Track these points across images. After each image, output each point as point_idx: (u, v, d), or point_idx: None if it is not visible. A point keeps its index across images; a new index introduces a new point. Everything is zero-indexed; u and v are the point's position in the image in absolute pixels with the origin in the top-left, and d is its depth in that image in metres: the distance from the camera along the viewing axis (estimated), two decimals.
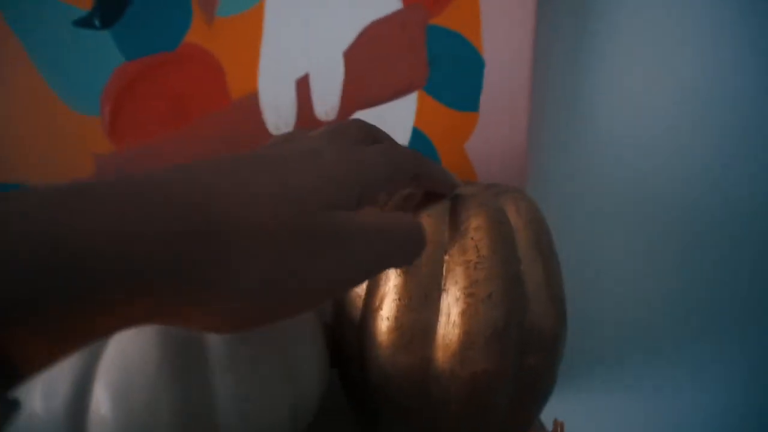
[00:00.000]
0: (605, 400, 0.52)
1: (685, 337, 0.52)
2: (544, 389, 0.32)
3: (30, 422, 0.24)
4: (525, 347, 0.30)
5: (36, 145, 0.40)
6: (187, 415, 0.25)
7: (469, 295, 0.29)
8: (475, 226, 0.29)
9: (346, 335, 0.33)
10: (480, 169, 0.42)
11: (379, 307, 0.30)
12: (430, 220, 0.30)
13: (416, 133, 0.42)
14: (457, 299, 0.29)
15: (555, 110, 0.45)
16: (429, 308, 0.29)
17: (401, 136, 0.41)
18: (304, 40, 0.40)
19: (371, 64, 0.40)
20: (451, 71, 0.41)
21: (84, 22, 0.39)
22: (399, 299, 0.30)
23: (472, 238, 0.29)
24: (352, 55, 0.40)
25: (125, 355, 0.25)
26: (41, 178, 0.40)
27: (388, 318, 0.30)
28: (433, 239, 0.30)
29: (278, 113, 0.41)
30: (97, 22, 0.39)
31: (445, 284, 0.30)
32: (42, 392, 0.25)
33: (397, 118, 0.41)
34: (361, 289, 0.32)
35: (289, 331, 0.30)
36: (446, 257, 0.30)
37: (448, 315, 0.29)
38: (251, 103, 0.41)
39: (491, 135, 0.42)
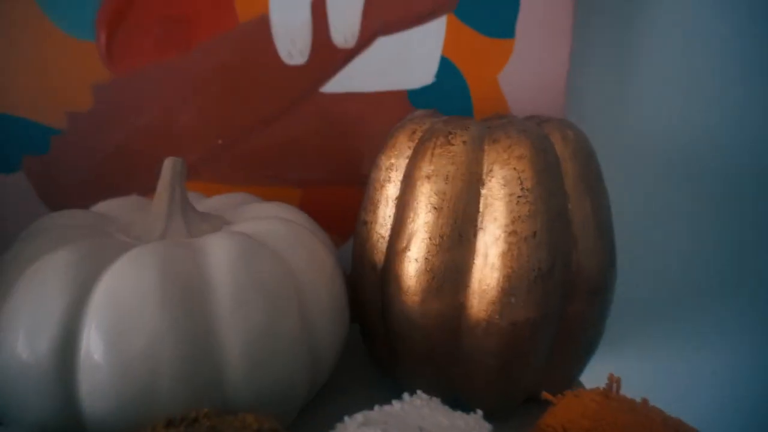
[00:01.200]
0: (651, 359, 0.49)
1: (734, 297, 0.49)
2: (589, 342, 0.29)
3: (11, 364, 0.21)
4: (570, 291, 0.27)
5: (31, 75, 0.36)
6: (190, 362, 0.22)
7: (511, 233, 0.25)
8: (518, 154, 0.26)
9: (368, 283, 0.29)
10: (514, 103, 0.38)
11: (407, 248, 0.27)
12: (464, 147, 0.26)
13: (444, 63, 0.37)
14: (497, 238, 0.25)
15: (601, 43, 0.41)
16: (464, 248, 0.26)
17: (428, 65, 0.37)
18: None
19: None
20: None
21: None
22: (430, 238, 0.26)
23: (514, 168, 0.25)
24: None
25: (120, 292, 0.22)
26: (38, 109, 0.37)
27: (416, 259, 0.26)
28: (468, 170, 0.26)
29: (291, 39, 0.36)
30: None
31: (482, 222, 0.26)
32: (24, 330, 0.22)
33: (423, 46, 0.37)
34: (385, 230, 0.29)
35: (308, 277, 0.26)
36: (483, 190, 0.26)
37: (486, 256, 0.26)
38: (261, 26, 0.36)
39: (527, 65, 0.37)
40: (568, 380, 0.29)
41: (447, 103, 0.38)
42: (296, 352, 0.25)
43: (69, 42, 0.36)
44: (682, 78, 0.43)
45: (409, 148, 0.28)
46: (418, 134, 0.28)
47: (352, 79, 0.37)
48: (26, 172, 0.38)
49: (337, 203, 0.39)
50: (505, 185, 0.25)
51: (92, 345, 0.21)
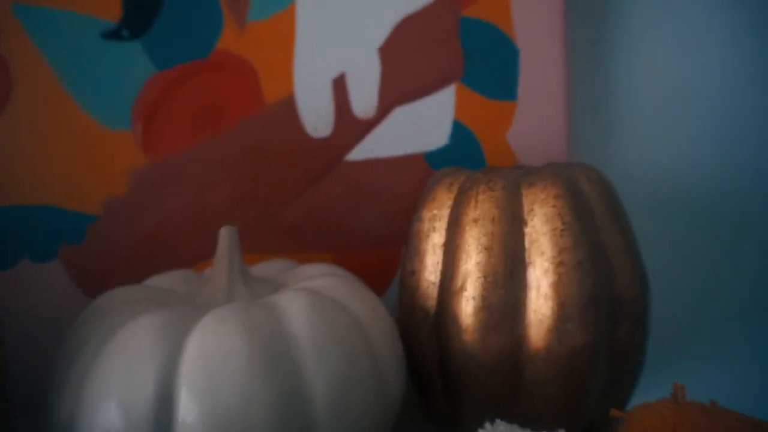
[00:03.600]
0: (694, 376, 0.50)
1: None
2: (636, 365, 0.30)
3: None
4: (615, 318, 0.29)
5: (67, 165, 0.38)
6: (284, 415, 0.23)
7: (559, 264, 0.27)
8: (554, 194, 0.28)
9: (421, 331, 0.31)
10: (523, 156, 0.41)
11: (463, 288, 0.28)
12: (504, 193, 0.29)
13: (457, 126, 0.41)
14: (546, 270, 0.28)
15: (591, 95, 0.45)
16: (516, 284, 0.28)
17: (442, 129, 0.41)
18: (338, 39, 0.39)
19: (407, 58, 0.40)
20: (487, 62, 0.41)
21: (112, 34, 0.37)
22: (484, 276, 0.28)
23: (553, 206, 0.28)
24: (387, 51, 0.40)
25: (209, 352, 0.23)
26: (75, 198, 0.38)
27: (474, 298, 0.28)
28: (510, 212, 0.29)
29: (316, 115, 0.40)
30: (126, 33, 0.38)
31: (529, 257, 0.28)
32: (119, 397, 0.22)
33: (436, 112, 0.40)
34: (434, 276, 0.31)
35: (371, 326, 0.28)
36: (527, 229, 0.28)
37: (538, 288, 0.28)
38: (287, 106, 0.39)
39: (531, 123, 0.41)
40: (623, 402, 0.31)
41: (462, 162, 0.41)
42: (371, 398, 0.26)
43: (104, 132, 0.38)
44: (670, 122, 0.47)
45: (450, 198, 0.31)
46: (456, 186, 0.31)
47: (374, 146, 0.40)
48: (62, 260, 0.38)
49: (367, 264, 0.41)
50: (546, 222, 0.28)
51: (187, 406, 0.22)
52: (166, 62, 0.38)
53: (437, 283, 0.30)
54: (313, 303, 0.26)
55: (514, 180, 0.30)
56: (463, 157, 0.41)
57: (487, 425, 0.24)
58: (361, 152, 0.40)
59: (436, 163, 0.41)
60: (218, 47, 0.38)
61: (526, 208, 0.29)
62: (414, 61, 0.40)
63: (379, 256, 0.41)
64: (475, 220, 0.29)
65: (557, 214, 0.28)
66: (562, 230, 0.28)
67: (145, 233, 0.39)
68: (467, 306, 0.28)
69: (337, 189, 0.40)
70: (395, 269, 0.41)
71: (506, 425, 0.24)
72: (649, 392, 0.31)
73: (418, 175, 0.41)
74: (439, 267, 0.30)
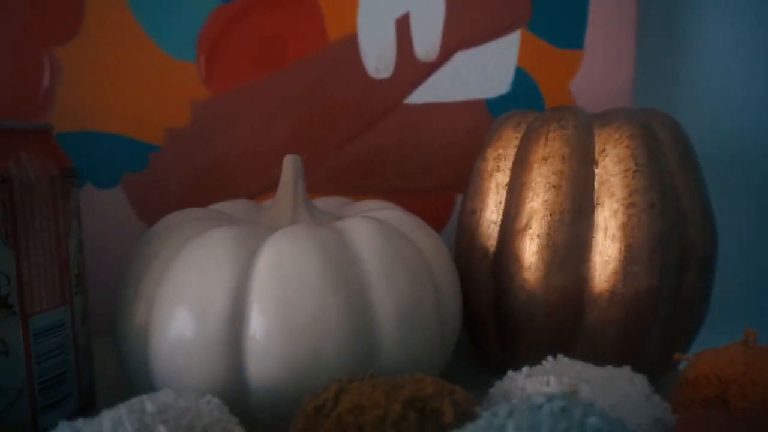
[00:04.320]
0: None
1: None
2: (699, 315, 0.30)
3: (181, 336, 0.22)
4: (683, 264, 0.28)
5: (133, 94, 0.38)
6: (351, 329, 0.23)
7: (630, 205, 0.27)
8: (629, 134, 0.28)
9: (478, 271, 0.31)
10: (585, 108, 0.40)
11: (527, 226, 0.28)
12: (575, 131, 0.28)
13: (519, 73, 0.40)
14: (615, 211, 0.27)
15: (660, 47, 0.44)
16: (583, 223, 0.27)
17: (504, 76, 0.40)
18: None
19: (474, 1, 0.39)
20: (555, 8, 0.39)
21: None
22: (550, 215, 0.28)
23: (627, 146, 0.27)
24: None
25: (282, 264, 0.23)
26: (139, 127, 0.39)
27: (539, 236, 0.28)
28: (581, 151, 0.28)
29: (378, 55, 0.39)
30: None
31: (598, 198, 0.28)
32: (194, 303, 0.23)
33: (499, 58, 0.40)
34: (496, 216, 0.30)
35: (433, 258, 0.28)
36: (597, 169, 0.28)
37: (606, 229, 0.27)
38: (350, 44, 0.39)
39: (596, 73, 0.40)
40: (683, 353, 0.30)
41: None
42: (433, 324, 0.26)
43: (170, 62, 0.38)
44: (736, 80, 0.46)
45: (516, 137, 0.30)
46: (524, 125, 0.30)
47: (434, 90, 0.40)
48: (124, 188, 0.39)
49: (419, 209, 0.41)
50: (619, 162, 0.27)
51: (260, 314, 0.22)
52: None
53: (498, 223, 0.30)
54: (379, 229, 0.26)
55: (586, 119, 0.29)
56: (524, 104, 0.40)
57: (550, 358, 0.24)
58: (420, 96, 0.40)
59: (496, 109, 0.40)
60: None
61: (597, 148, 0.28)
62: (480, 4, 0.39)
63: (434, 200, 0.41)
64: (544, 158, 0.28)
65: (630, 155, 0.27)
66: (634, 171, 0.27)
67: (204, 165, 0.40)
68: (531, 244, 0.28)
69: (394, 132, 0.40)
70: (449, 214, 0.41)
71: (569, 360, 0.23)
72: (708, 342, 0.31)
73: (478, 121, 0.40)
74: (502, 206, 0.30)
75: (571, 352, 0.29)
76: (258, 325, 0.22)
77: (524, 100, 0.40)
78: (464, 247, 0.32)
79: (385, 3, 0.39)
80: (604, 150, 0.28)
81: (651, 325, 0.28)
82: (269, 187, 0.40)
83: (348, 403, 0.18)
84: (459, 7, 0.39)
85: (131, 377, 0.25)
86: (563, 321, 0.28)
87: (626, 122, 0.28)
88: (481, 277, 0.31)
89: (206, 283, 0.23)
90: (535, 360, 0.29)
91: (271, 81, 0.39)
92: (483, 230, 0.31)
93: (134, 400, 0.19)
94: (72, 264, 0.24)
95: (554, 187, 0.28)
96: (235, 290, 0.23)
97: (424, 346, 0.25)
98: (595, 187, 0.28)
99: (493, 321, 0.31)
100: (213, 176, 0.40)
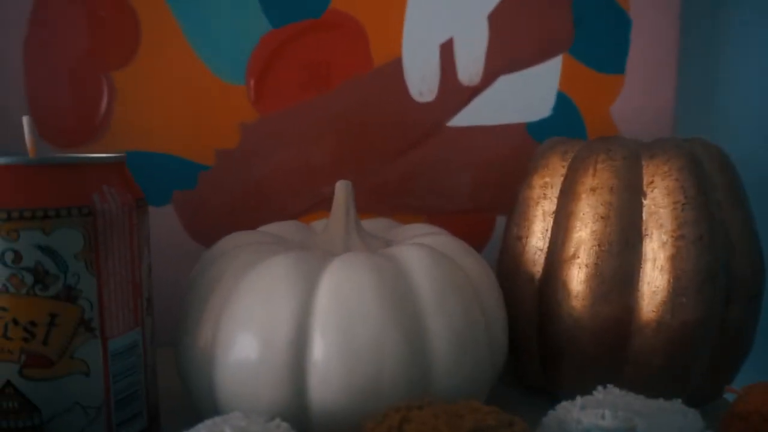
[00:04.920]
0: None
1: None
2: (746, 345, 0.30)
3: (246, 359, 0.23)
4: (731, 295, 0.28)
5: (184, 115, 0.40)
6: (409, 355, 0.24)
7: (678, 237, 0.27)
8: (677, 166, 0.28)
9: (523, 296, 0.31)
10: (626, 133, 0.41)
11: (575, 255, 0.29)
12: (624, 162, 0.29)
13: (561, 97, 0.41)
14: (664, 243, 0.27)
15: (701, 72, 0.44)
16: (631, 254, 0.28)
17: (545, 100, 0.40)
18: (449, 3, 0.39)
19: (515, 26, 0.40)
20: (597, 32, 0.40)
21: None
22: (599, 245, 0.28)
23: (676, 179, 0.28)
24: (496, 18, 0.40)
25: (342, 291, 0.24)
26: (190, 147, 0.40)
27: (587, 265, 0.28)
28: (630, 182, 0.28)
29: (422, 79, 0.40)
30: None
31: (646, 229, 0.28)
32: (260, 328, 0.24)
33: (541, 82, 0.40)
34: (543, 243, 0.31)
35: (481, 283, 0.28)
36: (645, 201, 0.28)
37: (654, 260, 0.28)
38: (394, 68, 0.40)
39: (638, 97, 0.40)
40: (726, 381, 0.31)
41: (563, 134, 0.41)
42: (483, 347, 0.27)
43: (221, 85, 0.40)
44: None
45: (563, 166, 0.31)
46: (571, 154, 0.31)
47: (476, 113, 0.41)
48: (174, 205, 0.41)
49: (458, 229, 0.42)
50: (668, 194, 0.28)
51: (322, 340, 0.23)
52: (282, 20, 0.39)
53: (545, 250, 0.31)
54: (431, 256, 0.27)
55: (633, 150, 0.29)
56: (564, 128, 0.41)
57: (600, 388, 0.24)
58: (463, 119, 0.41)
59: (537, 133, 0.41)
60: (331, 7, 0.39)
61: (646, 180, 0.29)
62: (523, 29, 0.40)
63: (473, 221, 0.41)
64: (593, 189, 0.29)
65: (680, 188, 0.28)
66: (683, 204, 0.27)
67: (251, 184, 0.41)
68: (579, 273, 0.28)
69: (436, 153, 0.41)
70: (489, 235, 0.42)
71: (619, 390, 0.24)
72: (755, 371, 0.31)
73: (518, 144, 0.41)
74: (548, 234, 0.31)
75: (616, 378, 0.29)
76: (320, 350, 0.23)
77: (565, 124, 0.41)
78: (509, 270, 0.33)
79: (430, 29, 0.40)
80: (652, 182, 0.28)
81: (697, 355, 0.28)
82: (314, 206, 0.41)
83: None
84: (502, 32, 0.40)
85: (194, 395, 0.26)
86: (608, 348, 0.28)
87: (674, 154, 0.28)
88: (526, 300, 0.31)
89: (271, 310, 0.24)
90: (578, 383, 0.30)
91: (316, 103, 0.40)
92: (529, 256, 0.31)
93: (209, 422, 0.20)
94: (143, 288, 0.25)
95: (602, 217, 0.28)
96: (298, 317, 0.24)
97: (475, 369, 0.26)
98: (644, 217, 0.28)
99: (537, 344, 0.31)
100: (259, 195, 0.41)
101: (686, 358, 0.28)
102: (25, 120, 0.24)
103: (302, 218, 0.41)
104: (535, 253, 0.31)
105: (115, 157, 0.24)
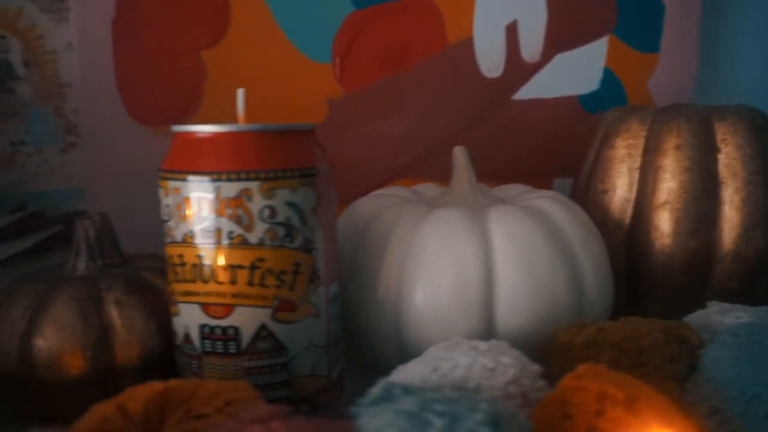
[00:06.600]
0: None
1: None
2: None
3: (441, 296, 0.27)
4: None
5: (273, 93, 0.42)
6: (572, 282, 0.29)
7: (749, 183, 0.34)
8: (744, 126, 0.35)
9: (609, 238, 0.37)
10: (659, 103, 0.47)
11: (666, 201, 0.35)
12: (701, 124, 0.35)
13: (607, 72, 0.46)
14: (738, 188, 0.34)
15: (713, 52, 0.51)
16: (711, 198, 0.34)
17: (594, 75, 0.46)
18: None
19: (569, 11, 0.45)
20: (637, 16, 0.46)
21: None
22: (686, 192, 0.34)
23: (743, 136, 0.34)
24: (553, 3, 0.45)
25: (513, 234, 0.28)
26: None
27: (677, 209, 0.34)
28: (707, 140, 0.35)
29: (491, 57, 0.45)
30: None
31: (722, 177, 0.34)
32: (453, 269, 0.28)
33: (591, 58, 0.46)
34: (629, 194, 0.37)
35: (595, 231, 0.34)
36: (720, 155, 0.35)
37: (731, 202, 0.34)
38: (466, 47, 0.44)
39: (669, 73, 0.47)
40: None
41: (609, 105, 0.46)
42: (611, 279, 0.32)
43: (309, 64, 0.42)
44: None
45: (643, 129, 0.37)
46: (648, 119, 0.37)
47: (536, 87, 0.46)
48: None
49: None
50: (738, 148, 0.34)
51: (506, 275, 0.28)
52: (364, 1, 0.42)
53: (632, 200, 0.36)
54: (566, 206, 0.32)
55: (706, 114, 0.36)
56: (610, 100, 0.47)
57: (710, 303, 0.30)
58: (525, 93, 0.46)
59: (588, 104, 0.47)
60: None
61: (719, 137, 0.35)
62: (576, 13, 0.45)
63: (533, 184, 0.47)
64: (678, 147, 0.35)
65: (747, 143, 0.34)
66: (751, 156, 0.34)
67: (338, 156, 0.44)
68: (671, 216, 0.34)
69: (503, 124, 0.46)
70: None
71: (727, 304, 0.30)
72: None
73: (571, 114, 0.46)
74: (635, 186, 0.36)
75: (698, 303, 0.36)
76: (505, 284, 0.28)
77: (610, 96, 0.47)
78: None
79: (497, 11, 0.44)
80: (725, 139, 0.35)
81: (762, 282, 0.35)
82: (393, 176, 0.45)
83: (619, 335, 0.24)
84: (559, 16, 0.45)
85: (372, 342, 0.30)
86: (695, 276, 0.35)
87: (740, 116, 0.35)
88: (613, 244, 0.37)
89: (459, 254, 0.28)
90: (664, 310, 0.36)
91: (396, 80, 0.44)
92: (615, 206, 0.37)
93: (458, 343, 0.24)
94: (337, 241, 0.28)
95: (687, 169, 0.34)
96: (483, 259, 0.28)
97: (609, 298, 0.31)
98: (720, 168, 0.35)
99: (624, 280, 0.37)
100: (344, 167, 0.44)
101: (760, 280, 0.34)
102: (239, 92, 0.26)
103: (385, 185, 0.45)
104: (622, 203, 0.37)
105: (311, 125, 0.27)
